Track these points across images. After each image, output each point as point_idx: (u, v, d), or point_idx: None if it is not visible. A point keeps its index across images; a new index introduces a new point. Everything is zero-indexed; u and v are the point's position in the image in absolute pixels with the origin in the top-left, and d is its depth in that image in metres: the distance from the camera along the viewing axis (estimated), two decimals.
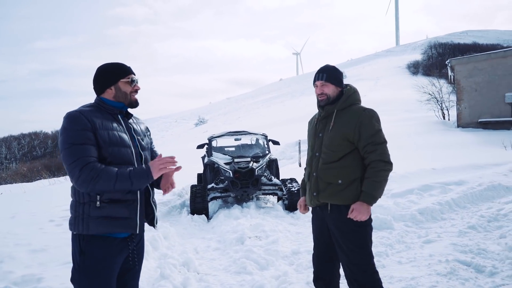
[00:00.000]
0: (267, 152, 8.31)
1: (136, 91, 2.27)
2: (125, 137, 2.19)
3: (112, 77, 2.20)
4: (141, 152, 2.27)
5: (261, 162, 7.61)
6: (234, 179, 7.22)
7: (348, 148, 2.55)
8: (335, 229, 2.58)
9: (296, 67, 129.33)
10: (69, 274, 3.89)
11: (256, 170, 7.33)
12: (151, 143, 2.46)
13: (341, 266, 2.69)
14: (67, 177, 23.81)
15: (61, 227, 6.42)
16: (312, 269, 3.37)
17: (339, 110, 2.64)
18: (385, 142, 2.56)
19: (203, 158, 9.45)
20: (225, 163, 7.54)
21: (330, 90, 2.63)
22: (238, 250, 4.87)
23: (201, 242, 5.51)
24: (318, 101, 2.68)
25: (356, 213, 2.45)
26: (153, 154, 2.42)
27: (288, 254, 4.74)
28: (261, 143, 8.91)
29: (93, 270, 2.07)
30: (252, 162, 7.52)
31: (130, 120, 2.34)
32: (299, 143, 15.39)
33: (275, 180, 7.66)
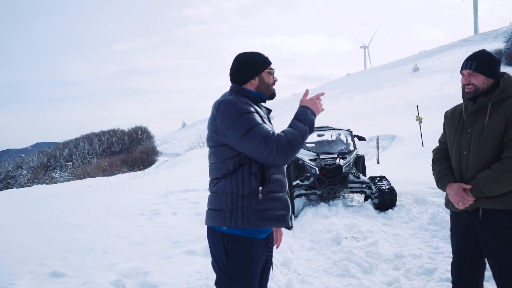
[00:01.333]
0: (352, 148, 7.96)
1: (274, 82, 2.20)
2: (272, 127, 2.10)
3: (258, 67, 2.12)
4: None
5: (348, 158, 7.29)
6: (320, 176, 6.98)
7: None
8: (489, 237, 2.25)
9: (364, 61, 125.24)
10: (171, 269, 3.91)
11: (344, 167, 7.03)
12: None
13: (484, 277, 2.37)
14: (145, 171, 24.99)
15: (152, 220, 6.61)
16: (422, 276, 3.06)
17: (494, 103, 2.30)
18: None
19: None
20: (310, 160, 7.32)
21: (479, 81, 2.30)
22: (336, 251, 4.64)
23: (294, 241, 5.34)
24: (464, 92, 2.36)
25: None
26: None
27: (391, 258, 4.43)
28: (345, 138, 8.56)
29: (240, 272, 1.99)
30: (338, 158, 7.22)
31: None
32: (377, 138, 14.75)
33: (363, 178, 7.30)
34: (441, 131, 2.64)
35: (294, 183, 7.24)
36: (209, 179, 2.13)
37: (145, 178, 18.29)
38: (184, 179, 14.58)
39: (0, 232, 6.16)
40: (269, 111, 2.23)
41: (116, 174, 30.11)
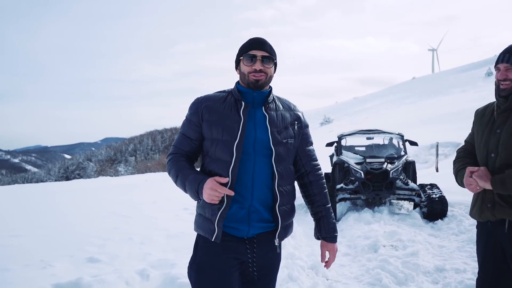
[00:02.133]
0: (403, 153, 7.57)
1: (255, 71, 1.86)
2: (237, 128, 1.83)
3: (237, 57, 1.94)
4: (271, 146, 1.85)
5: (396, 163, 6.94)
6: (365, 181, 6.71)
7: None
8: None
9: (432, 64, 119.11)
10: None
11: (391, 172, 6.70)
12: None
13: None
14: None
15: (193, 215, 6.73)
16: None
17: None
18: None
19: (331, 157, 9.08)
20: (356, 163, 7.06)
21: None
22: (371, 259, 4.41)
23: None
24: (498, 89, 2.11)
25: None
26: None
27: (431, 270, 4.13)
28: (396, 143, 8.17)
29: (201, 267, 1.86)
30: (386, 163, 6.90)
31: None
32: (437, 145, 13.94)
33: (412, 185, 6.91)
34: None
35: (338, 186, 7.03)
36: None
37: None
38: None
39: (51, 217, 6.58)
40: (265, 106, 1.89)
41: None
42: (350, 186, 6.94)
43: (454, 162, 2.36)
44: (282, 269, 3.99)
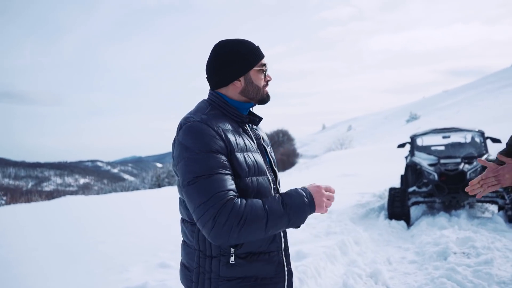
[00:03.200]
0: (484, 152, 7.01)
1: (267, 83, 1.57)
2: (260, 159, 1.49)
3: (244, 63, 1.50)
4: (276, 172, 1.58)
5: (475, 163, 6.46)
6: (439, 183, 6.34)
7: None
8: None
9: None
10: None
11: (468, 173, 6.26)
12: None
13: None
14: (280, 173, 25.95)
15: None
16: None
17: None
18: None
19: (406, 158, 8.71)
20: (429, 164, 6.71)
21: None
22: (438, 267, 4.19)
23: (396, 252, 5.00)
24: None
25: None
26: None
27: (507, 281, 3.81)
28: (477, 141, 7.59)
29: None
30: (463, 163, 6.46)
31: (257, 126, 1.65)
32: None
33: None
34: None
35: (410, 189, 6.74)
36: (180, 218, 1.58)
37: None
38: (311, 181, 14.74)
39: (135, 224, 7.19)
40: (258, 121, 1.60)
41: None
42: (424, 189, 6.61)
43: None
44: (335, 278, 3.98)
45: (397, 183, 8.94)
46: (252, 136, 1.55)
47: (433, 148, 7.87)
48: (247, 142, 1.48)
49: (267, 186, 1.46)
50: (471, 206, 6.86)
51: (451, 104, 69.17)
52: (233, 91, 1.52)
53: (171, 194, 15.82)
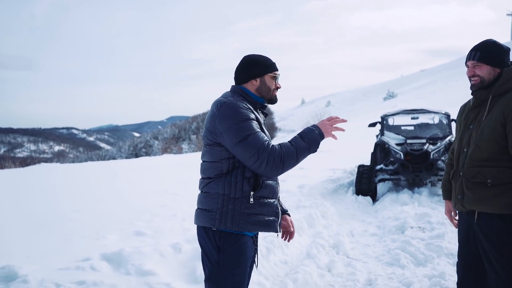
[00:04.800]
0: (448, 133, 7.39)
1: (277, 89, 2.17)
2: (266, 132, 2.08)
3: (261, 69, 2.10)
4: None
5: (438, 144, 6.83)
6: (405, 162, 6.70)
7: (503, 144, 2.04)
8: (484, 240, 2.12)
9: (511, 31, 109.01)
10: None
11: (432, 153, 6.63)
12: None
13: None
14: None
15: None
16: None
17: (495, 96, 2.11)
18: None
19: (377, 136, 9.06)
20: (397, 144, 7.05)
21: (484, 71, 2.11)
22: (395, 240, 4.55)
23: (359, 225, 5.35)
24: (470, 85, 2.20)
25: None
26: None
27: (454, 252, 4.18)
28: (444, 122, 7.96)
29: (233, 267, 1.99)
30: (428, 144, 6.82)
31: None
32: None
33: None
34: None
35: (378, 167, 7.09)
36: (201, 177, 2.11)
37: None
38: None
39: (111, 194, 7.34)
40: (265, 115, 2.19)
41: None
42: (390, 167, 6.97)
43: (446, 164, 2.49)
44: (301, 248, 4.28)
45: (368, 161, 9.31)
46: (261, 119, 2.11)
47: (402, 128, 8.22)
48: (260, 120, 2.05)
49: None
50: (433, 184, 7.27)
51: (427, 83, 70.39)
52: (251, 87, 2.11)
53: (148, 164, 15.91)
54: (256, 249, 2.15)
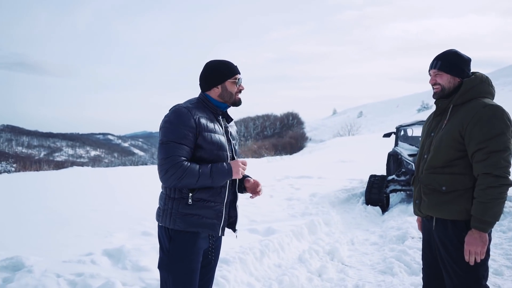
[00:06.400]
0: None
1: (240, 91, 2.26)
2: (224, 140, 2.18)
3: (220, 76, 2.20)
4: (235, 157, 2.27)
5: None
6: None
7: (458, 152, 2.08)
8: (439, 246, 2.16)
9: None
10: (225, 240, 4.46)
11: None
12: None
13: None
14: (283, 157, 26.28)
15: (248, 200, 7.29)
16: None
17: (455, 105, 2.16)
18: (505, 150, 1.97)
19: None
20: (409, 155, 7.01)
21: (445, 80, 2.17)
22: (394, 249, 4.55)
23: (362, 234, 5.37)
24: (433, 93, 2.27)
25: (469, 246, 2.01)
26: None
27: None
28: None
29: (182, 255, 2.09)
30: None
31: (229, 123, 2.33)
32: None
33: None
34: None
35: (390, 178, 7.06)
36: None
37: (277, 162, 19.37)
38: (308, 166, 15.09)
39: (129, 196, 7.65)
40: (229, 120, 2.30)
41: (263, 157, 32.45)
42: (402, 178, 6.93)
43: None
44: (297, 253, 4.37)
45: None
46: (222, 125, 2.24)
47: (420, 139, 8.14)
48: (216, 127, 2.17)
49: (224, 159, 2.15)
50: None
51: None
52: (213, 94, 2.23)
53: None
54: (213, 246, 2.21)
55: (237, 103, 2.26)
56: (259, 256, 4.01)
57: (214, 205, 2.12)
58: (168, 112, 2.13)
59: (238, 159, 2.21)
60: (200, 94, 2.26)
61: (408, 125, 7.94)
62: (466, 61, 2.20)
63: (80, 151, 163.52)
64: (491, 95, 2.19)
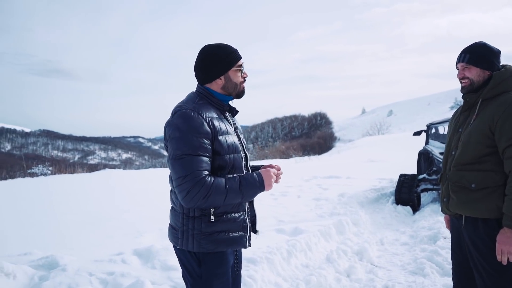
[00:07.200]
0: None
1: (244, 79, 1.94)
2: (237, 141, 1.90)
3: (223, 66, 1.86)
4: (246, 153, 1.98)
5: None
6: None
7: (488, 148, 2.00)
8: (470, 245, 2.09)
9: None
10: (251, 241, 4.46)
11: None
12: None
13: None
14: (312, 157, 26.11)
15: (276, 201, 7.28)
16: None
17: (485, 99, 2.08)
18: None
19: None
20: (440, 153, 6.81)
21: (474, 73, 2.09)
22: (425, 249, 4.44)
23: (392, 234, 5.26)
24: (461, 88, 2.19)
25: (501, 245, 1.93)
26: None
27: None
28: None
29: (216, 277, 1.85)
30: None
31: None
32: None
33: None
34: None
35: (420, 177, 6.89)
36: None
37: (305, 163, 19.28)
38: (337, 166, 14.93)
39: (158, 197, 7.79)
40: (235, 113, 2.01)
41: (291, 157, 32.36)
42: (433, 177, 6.75)
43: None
44: (325, 253, 4.33)
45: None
46: (231, 122, 1.95)
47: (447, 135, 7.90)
48: (227, 126, 1.87)
49: (240, 162, 1.87)
50: None
51: None
52: (215, 86, 1.90)
53: None
54: (238, 258, 2.03)
55: (241, 94, 1.94)
56: (286, 256, 4.00)
57: (238, 216, 1.87)
58: (172, 117, 1.80)
59: (268, 166, 1.91)
60: (199, 87, 1.92)
61: (439, 123, 7.73)
62: (496, 53, 2.12)
63: (112, 154, 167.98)
64: None
